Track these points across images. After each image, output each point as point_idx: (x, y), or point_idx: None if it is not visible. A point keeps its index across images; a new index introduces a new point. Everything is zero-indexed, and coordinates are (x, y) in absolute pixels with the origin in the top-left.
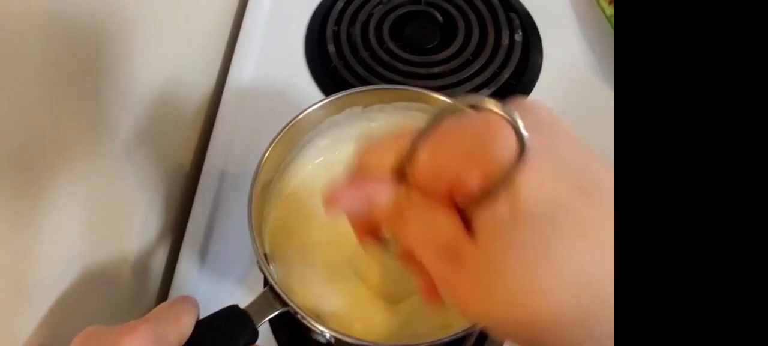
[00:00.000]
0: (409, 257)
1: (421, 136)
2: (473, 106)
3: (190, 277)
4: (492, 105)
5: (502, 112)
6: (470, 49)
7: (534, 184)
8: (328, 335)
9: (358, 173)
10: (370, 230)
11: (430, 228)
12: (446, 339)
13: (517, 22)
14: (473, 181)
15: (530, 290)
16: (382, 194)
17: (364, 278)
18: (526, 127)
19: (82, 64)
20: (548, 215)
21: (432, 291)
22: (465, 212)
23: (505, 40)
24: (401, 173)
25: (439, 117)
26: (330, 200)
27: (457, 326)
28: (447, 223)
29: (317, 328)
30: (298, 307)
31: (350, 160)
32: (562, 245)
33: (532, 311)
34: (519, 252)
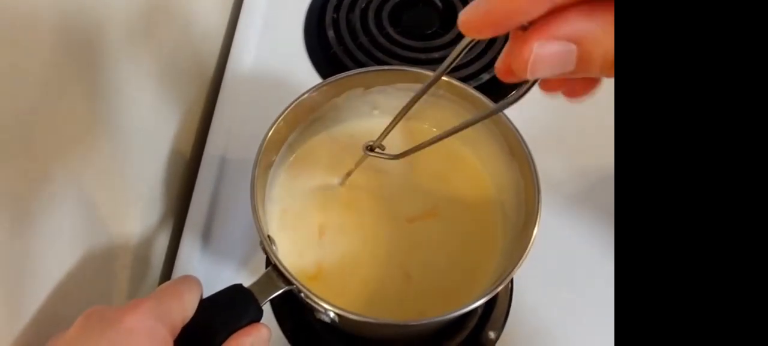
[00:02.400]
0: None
1: None
2: None
3: (192, 261)
4: None
5: None
6: None
7: None
8: (331, 314)
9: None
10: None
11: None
12: (448, 318)
13: None
14: None
15: None
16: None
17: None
18: None
19: (81, 53)
20: None
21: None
22: None
23: None
24: None
25: None
26: (524, 58)
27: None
28: None
29: (321, 306)
30: (302, 285)
31: None
32: None
33: None
34: None
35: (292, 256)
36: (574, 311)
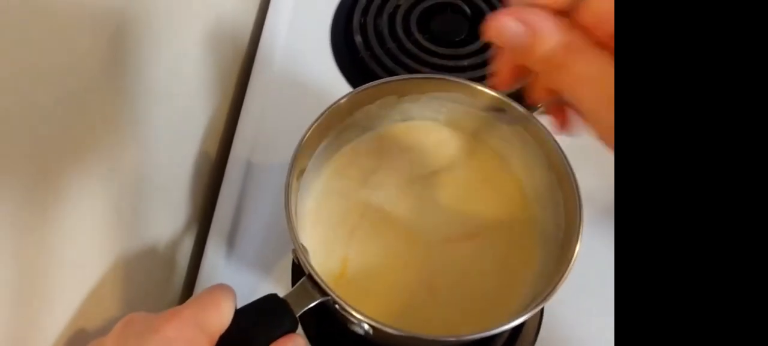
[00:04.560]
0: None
1: None
2: None
3: (217, 267)
4: None
5: None
6: None
7: None
8: (366, 326)
9: (524, 6)
10: (514, 72)
11: (597, 71)
12: (487, 334)
13: None
14: None
15: None
16: (549, 28)
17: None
18: None
19: (109, 55)
20: None
21: (565, 128)
22: None
23: None
24: (565, 15)
25: None
26: (493, 22)
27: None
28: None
29: (356, 317)
30: (338, 297)
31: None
32: None
33: None
34: None
35: (318, 260)
36: (607, 328)
